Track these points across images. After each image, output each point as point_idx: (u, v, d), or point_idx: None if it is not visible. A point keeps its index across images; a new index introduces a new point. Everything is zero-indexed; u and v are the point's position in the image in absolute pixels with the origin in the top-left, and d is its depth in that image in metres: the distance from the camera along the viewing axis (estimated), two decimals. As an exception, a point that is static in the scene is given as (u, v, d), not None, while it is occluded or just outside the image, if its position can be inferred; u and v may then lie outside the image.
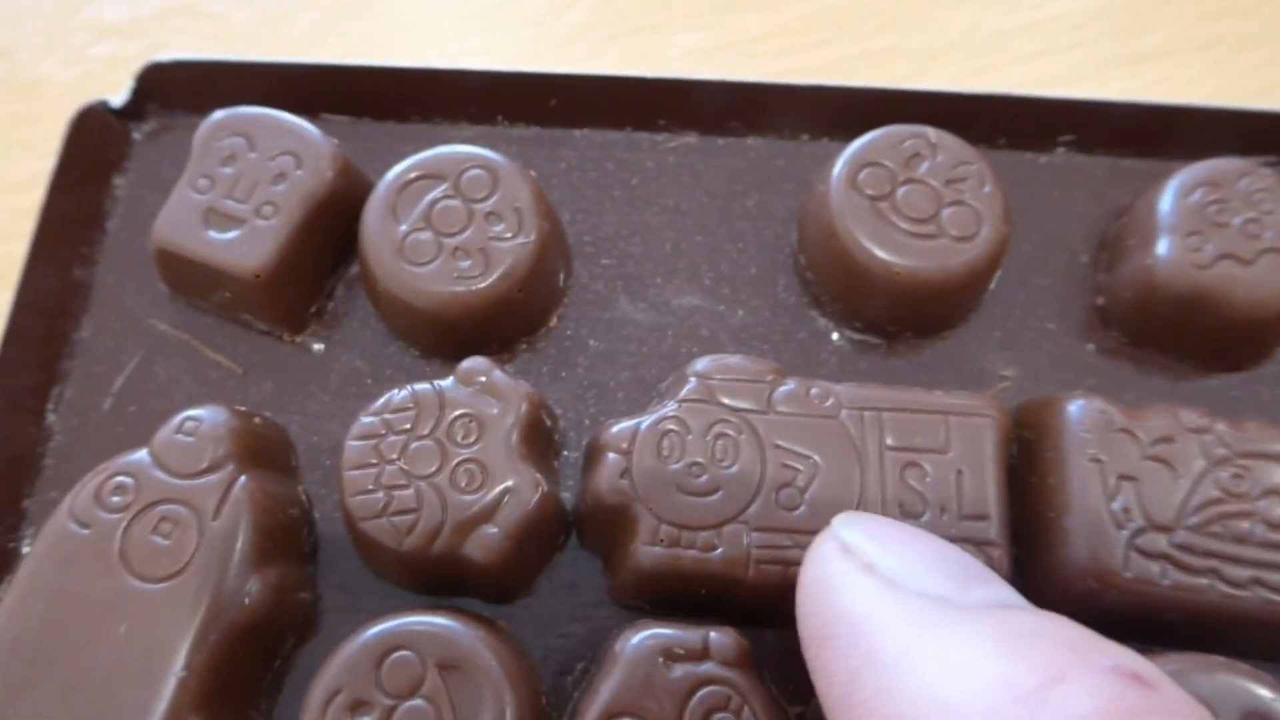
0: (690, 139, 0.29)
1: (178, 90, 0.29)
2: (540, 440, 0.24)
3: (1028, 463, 0.24)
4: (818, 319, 0.27)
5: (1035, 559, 0.23)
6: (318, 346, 0.27)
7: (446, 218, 0.25)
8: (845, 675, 0.15)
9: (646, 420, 0.23)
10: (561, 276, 0.27)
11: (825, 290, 0.27)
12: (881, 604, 0.15)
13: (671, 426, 0.23)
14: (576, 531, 0.24)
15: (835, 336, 0.27)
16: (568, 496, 0.24)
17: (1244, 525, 0.22)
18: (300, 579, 0.23)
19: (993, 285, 0.27)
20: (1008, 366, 0.26)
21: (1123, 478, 0.22)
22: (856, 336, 0.27)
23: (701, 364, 0.24)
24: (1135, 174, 0.28)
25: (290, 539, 0.23)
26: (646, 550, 0.22)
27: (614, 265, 0.28)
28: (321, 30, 0.36)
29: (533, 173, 0.27)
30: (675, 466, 0.22)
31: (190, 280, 0.26)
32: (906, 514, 0.22)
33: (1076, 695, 0.13)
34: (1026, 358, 0.26)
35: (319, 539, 0.25)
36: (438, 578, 0.23)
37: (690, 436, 0.23)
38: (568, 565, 0.25)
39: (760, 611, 0.23)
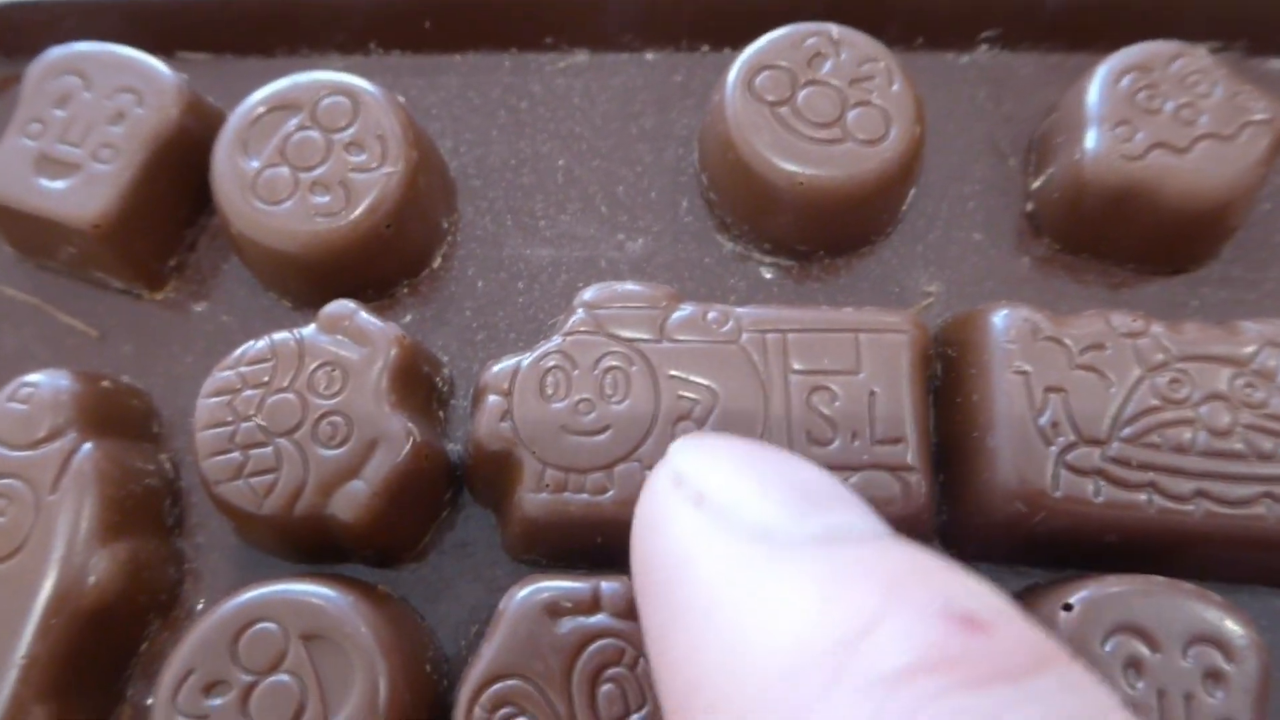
0: (581, 57, 0.27)
1: (18, 36, 0.27)
2: (417, 387, 0.22)
3: (952, 381, 0.22)
4: (724, 243, 0.25)
5: (962, 483, 0.21)
6: (181, 303, 0.25)
7: (303, 151, 0.23)
8: (659, 629, 0.14)
9: (528, 358, 0.21)
10: (442, 212, 0.25)
11: (730, 210, 0.25)
12: (701, 543, 0.14)
13: (556, 362, 0.21)
14: (466, 484, 0.23)
15: (744, 259, 0.25)
16: (457, 449, 0.23)
17: (1184, 434, 0.20)
18: (161, 554, 0.22)
19: (913, 196, 0.25)
20: (931, 282, 0.25)
21: (1050, 389, 0.21)
22: (767, 259, 0.25)
23: (589, 293, 0.22)
24: (1066, 69, 0.27)
25: (146, 511, 0.22)
26: (532, 498, 0.20)
27: (502, 198, 0.26)
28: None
29: (402, 99, 0.25)
30: (560, 405, 0.21)
31: (30, 237, 0.24)
32: (814, 441, 0.20)
33: (889, 646, 0.11)
34: (952, 272, 0.25)
35: (189, 510, 0.23)
36: (310, 543, 0.21)
37: (576, 372, 0.21)
38: (461, 522, 0.23)
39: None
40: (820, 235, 0.24)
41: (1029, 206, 0.25)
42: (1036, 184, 0.25)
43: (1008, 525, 0.20)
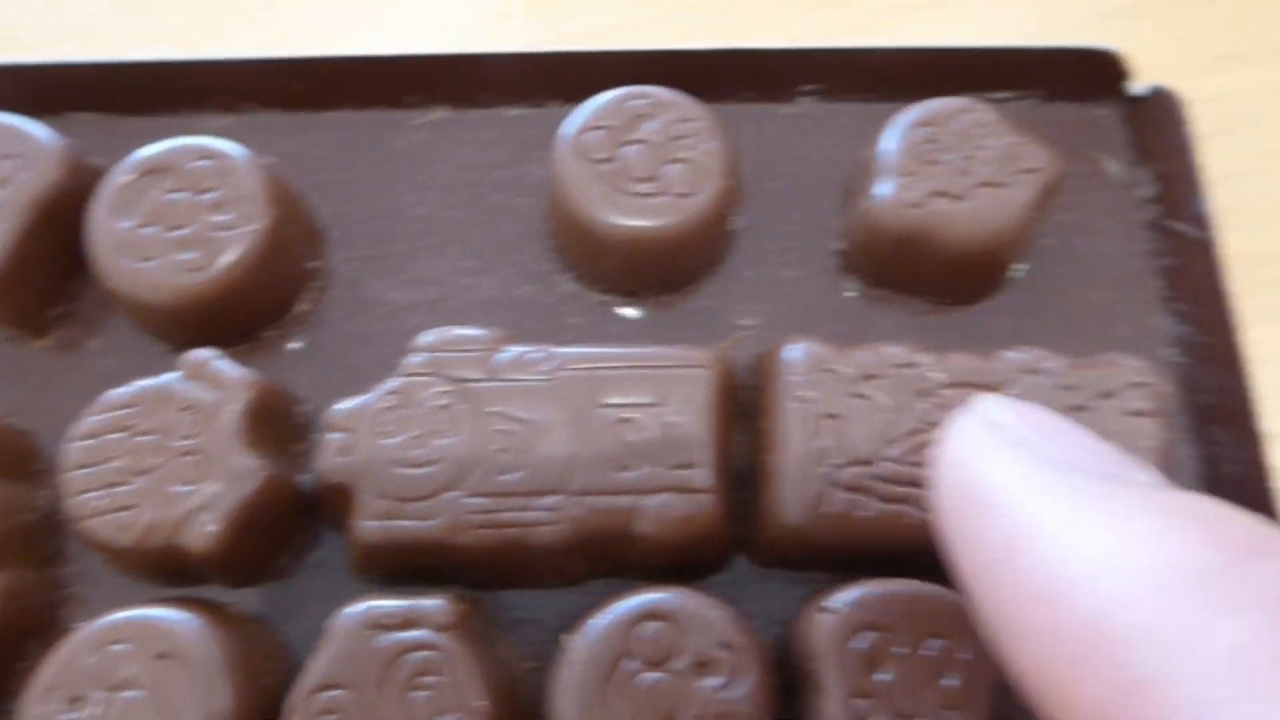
0: (441, 114, 0.30)
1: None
2: (272, 425, 0.25)
3: (756, 409, 0.25)
4: (564, 284, 0.28)
5: (756, 501, 0.24)
6: (65, 348, 0.27)
7: (172, 211, 0.26)
8: (999, 544, 0.15)
9: (368, 398, 0.24)
10: (306, 260, 0.28)
11: (568, 255, 0.28)
12: (1043, 475, 0.15)
13: (392, 402, 0.24)
14: (320, 511, 0.25)
15: (581, 299, 0.28)
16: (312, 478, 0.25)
17: (943, 454, 0.23)
18: (37, 583, 0.24)
19: (740, 239, 0.28)
20: (749, 317, 0.27)
21: (826, 416, 0.23)
22: (604, 298, 0.28)
23: (427, 337, 0.25)
24: (881, 117, 0.29)
25: (23, 545, 0.24)
26: (364, 526, 0.23)
27: (366, 247, 0.29)
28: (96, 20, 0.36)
29: (270, 159, 0.27)
30: (394, 441, 0.23)
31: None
32: (617, 467, 0.23)
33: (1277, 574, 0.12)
34: (769, 307, 0.27)
35: (68, 540, 0.25)
36: (170, 570, 0.24)
37: (409, 410, 0.24)
38: (319, 544, 0.25)
39: (490, 574, 0.24)
40: (646, 277, 0.27)
41: (839, 246, 0.28)
42: (845, 224, 0.28)
43: (788, 539, 0.23)
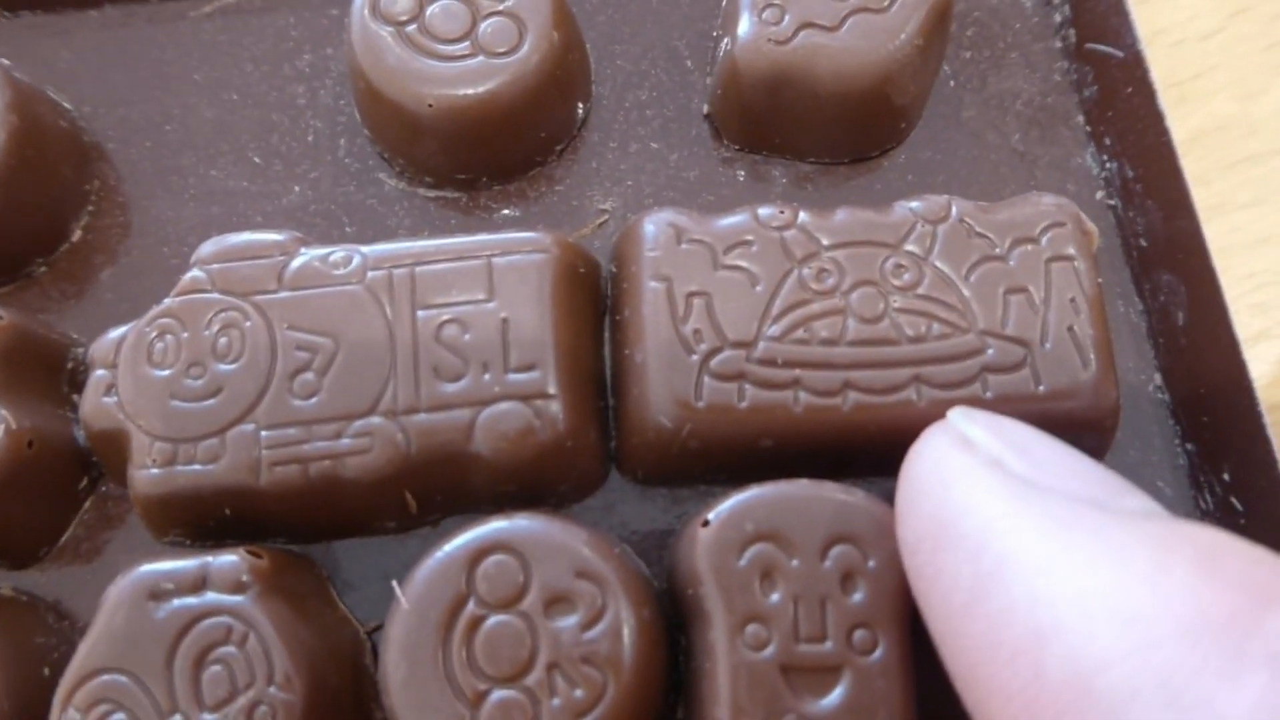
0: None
1: None
2: (32, 373, 0.21)
3: (615, 300, 0.22)
4: (386, 181, 0.25)
5: (621, 405, 0.21)
6: None
7: (-115, 127, 0.22)
8: (971, 580, 0.14)
9: (136, 323, 0.21)
10: (70, 182, 0.24)
11: (386, 146, 0.24)
12: (1019, 502, 0.14)
13: (163, 327, 0.21)
14: (106, 470, 0.22)
15: (409, 196, 0.25)
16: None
17: (834, 325, 0.20)
18: None
19: (591, 112, 0.25)
20: (609, 199, 0.24)
21: (693, 295, 0.21)
22: (431, 193, 0.25)
23: (205, 248, 0.22)
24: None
25: None
26: (142, 475, 0.20)
27: (148, 158, 0.25)
28: None
29: (4, 61, 0.24)
30: (168, 372, 0.20)
31: None
32: (442, 378, 0.20)
33: None
34: (630, 185, 0.25)
35: None
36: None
37: (186, 334, 0.21)
38: (112, 509, 0.22)
39: (310, 523, 0.21)
40: (476, 161, 0.24)
41: (705, 108, 0.25)
42: (709, 82, 0.25)
43: (660, 442, 0.20)
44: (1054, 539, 0.13)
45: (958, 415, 0.16)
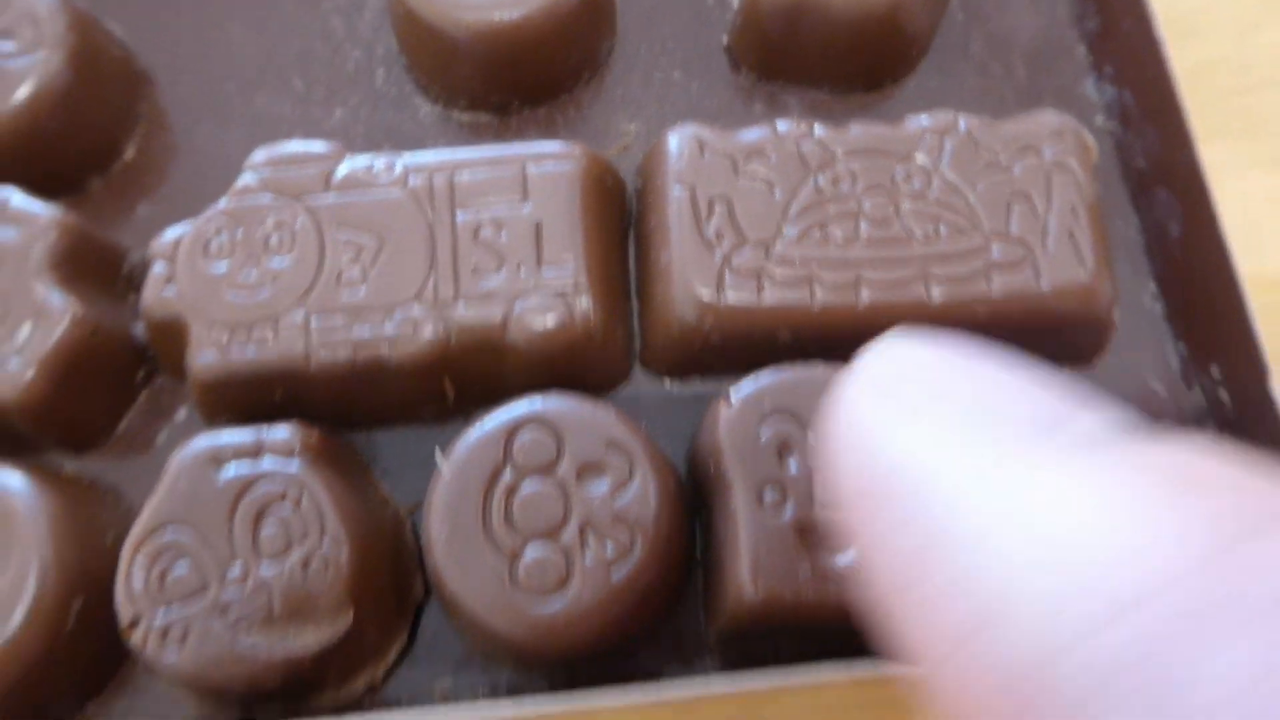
0: (270, -63, 0.29)
1: None
2: (91, 270, 0.23)
3: (641, 213, 0.24)
4: (422, 106, 0.27)
5: (647, 304, 0.23)
6: None
7: (-44, 43, 0.24)
8: (911, 550, 0.12)
9: (195, 222, 0.23)
10: (124, 103, 0.26)
11: (420, 70, 0.26)
12: (957, 445, 0.12)
13: (219, 225, 0.23)
14: (161, 363, 0.24)
15: (444, 120, 0.26)
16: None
17: (847, 227, 0.22)
18: None
19: (618, 43, 0.27)
20: (633, 122, 0.26)
21: (715, 200, 0.22)
22: (465, 116, 0.26)
23: (257, 155, 0.24)
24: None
25: None
26: (198, 359, 0.22)
27: (196, 85, 0.27)
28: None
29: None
30: (225, 265, 0.22)
31: None
32: (479, 273, 0.22)
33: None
34: (653, 112, 0.26)
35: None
36: (-7, 435, 0.22)
37: (241, 232, 0.23)
38: (176, 413, 0.24)
39: (353, 407, 0.23)
40: (510, 84, 0.26)
41: (725, 40, 0.27)
42: (729, 16, 0.27)
43: (684, 336, 0.22)
44: (1003, 483, 0.11)
45: (876, 351, 0.14)
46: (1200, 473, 0.11)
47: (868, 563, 0.13)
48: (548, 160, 0.23)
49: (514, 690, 0.22)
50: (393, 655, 0.22)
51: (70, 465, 0.23)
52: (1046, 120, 0.23)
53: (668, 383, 0.24)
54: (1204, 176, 0.23)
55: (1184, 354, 0.24)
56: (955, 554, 0.11)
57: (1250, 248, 0.23)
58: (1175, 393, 0.23)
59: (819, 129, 0.23)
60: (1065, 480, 0.11)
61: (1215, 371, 0.23)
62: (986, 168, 0.23)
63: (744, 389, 0.21)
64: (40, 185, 0.25)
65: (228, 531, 0.20)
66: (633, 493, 0.20)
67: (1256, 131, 0.26)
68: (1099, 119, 0.26)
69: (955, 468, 0.12)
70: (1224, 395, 0.23)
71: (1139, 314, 0.24)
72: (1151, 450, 0.11)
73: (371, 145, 0.26)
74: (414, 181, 0.23)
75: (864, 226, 0.22)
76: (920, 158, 0.23)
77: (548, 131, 0.26)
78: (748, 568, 0.19)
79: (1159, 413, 0.23)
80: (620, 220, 0.24)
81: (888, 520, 0.12)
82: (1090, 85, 0.26)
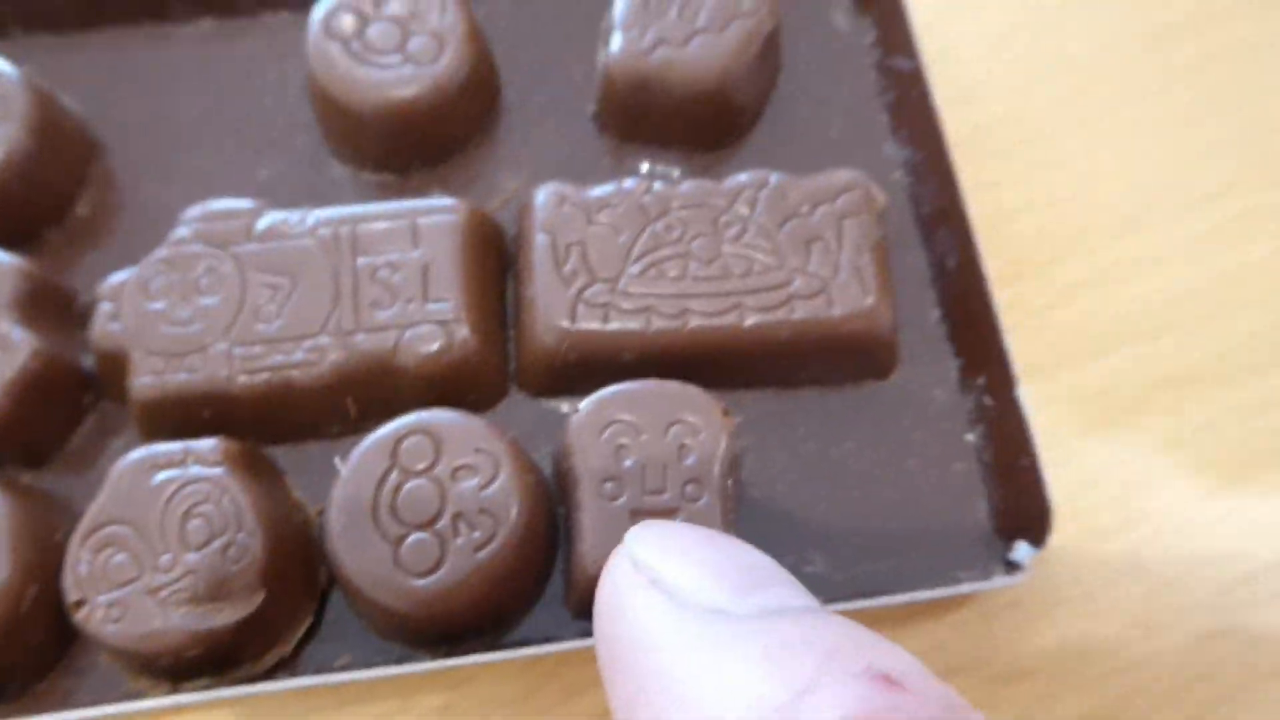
0: (207, 24, 0.32)
1: None
2: (48, 312, 0.26)
3: (516, 255, 0.27)
4: (335, 167, 0.30)
5: (518, 333, 0.26)
6: None
7: (-69, 120, 0.27)
8: (626, 700, 0.15)
9: (136, 268, 0.26)
10: (78, 167, 0.29)
11: (333, 139, 0.29)
12: (660, 621, 0.15)
13: (159, 269, 0.25)
14: (106, 389, 0.27)
15: (354, 179, 0.29)
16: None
17: (679, 265, 0.25)
18: None
19: (505, 111, 0.30)
20: (515, 180, 0.30)
21: (572, 245, 0.26)
22: (373, 177, 0.29)
23: (191, 211, 0.26)
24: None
25: None
26: (139, 383, 0.25)
27: (143, 149, 0.30)
28: None
29: (26, 69, 0.29)
30: (162, 304, 0.25)
31: None
32: (376, 307, 0.25)
33: (826, 705, 0.13)
34: (531, 169, 0.30)
35: None
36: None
37: (176, 276, 0.25)
38: (117, 436, 0.27)
39: (271, 423, 0.26)
40: (408, 150, 0.29)
41: (592, 109, 0.30)
42: (595, 85, 0.30)
43: (547, 358, 0.25)
44: (678, 656, 0.15)
45: (632, 535, 0.17)
46: (804, 641, 0.14)
47: (613, 705, 0.16)
48: (435, 213, 0.26)
49: (402, 660, 0.24)
50: (300, 633, 0.24)
51: (26, 477, 0.26)
52: (840, 176, 0.26)
53: (540, 401, 0.27)
54: (968, 219, 0.27)
55: (961, 366, 0.27)
56: (657, 693, 0.15)
57: (1008, 277, 0.27)
58: (953, 399, 0.27)
59: (658, 184, 0.26)
60: (721, 654, 0.15)
61: (981, 379, 0.26)
62: (792, 215, 0.26)
63: (590, 400, 0.24)
64: (3, 238, 0.27)
65: (159, 527, 0.23)
66: (496, 488, 0.23)
67: (1016, 182, 0.30)
68: (897, 174, 0.29)
69: (663, 635, 0.15)
70: (988, 400, 0.26)
71: (926, 333, 0.27)
72: (783, 627, 0.15)
73: (292, 201, 0.29)
74: (323, 233, 0.26)
75: (692, 265, 0.25)
76: (740, 208, 0.26)
77: (444, 188, 0.29)
78: (589, 546, 0.23)
79: (941, 416, 0.27)
80: (499, 262, 0.27)
81: (618, 672, 0.16)
82: (890, 145, 0.30)
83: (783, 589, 0.16)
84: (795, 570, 0.25)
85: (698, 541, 0.17)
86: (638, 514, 0.23)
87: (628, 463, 0.23)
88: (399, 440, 0.23)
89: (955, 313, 0.27)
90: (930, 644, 0.25)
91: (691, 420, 0.23)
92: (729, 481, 0.23)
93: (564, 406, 0.27)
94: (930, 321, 0.28)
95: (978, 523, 0.26)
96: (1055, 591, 0.25)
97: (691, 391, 0.24)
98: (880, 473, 0.26)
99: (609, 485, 0.23)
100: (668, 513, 0.23)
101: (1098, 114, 0.31)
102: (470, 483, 0.23)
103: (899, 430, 0.26)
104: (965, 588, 0.24)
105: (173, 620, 0.22)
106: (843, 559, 0.25)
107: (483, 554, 0.22)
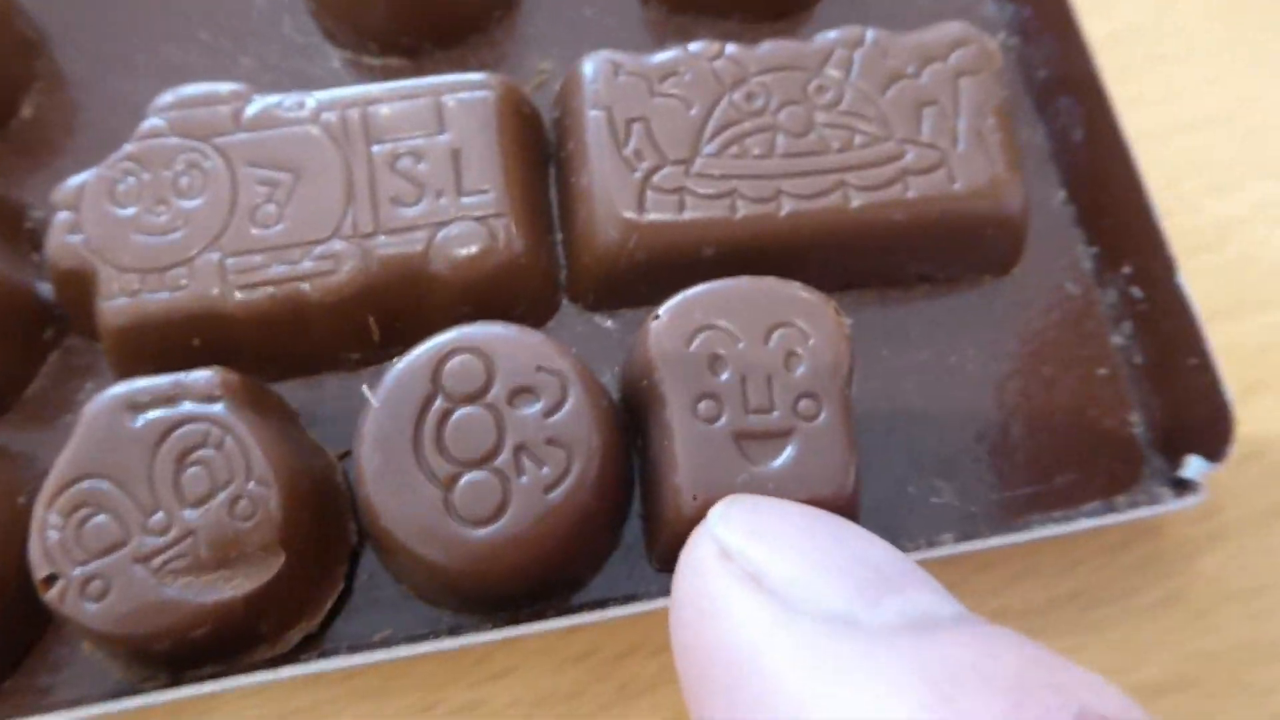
0: (166, -113, 0.26)
1: None
2: (-8, 227, 0.21)
3: (559, 142, 0.23)
4: (331, 52, 0.25)
5: (569, 231, 0.22)
6: None
7: None
8: (727, 699, 0.13)
9: (98, 168, 0.21)
10: (18, 60, 0.24)
11: (328, 16, 0.25)
12: (772, 633, 0.13)
13: (126, 168, 0.21)
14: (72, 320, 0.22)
15: (354, 65, 0.25)
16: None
17: (765, 141, 0.21)
18: None
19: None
20: (546, 60, 0.25)
21: (632, 120, 0.21)
22: (377, 61, 0.25)
23: (162, 98, 0.22)
24: None
25: None
26: (108, 305, 0.20)
27: (96, 39, 0.25)
28: None
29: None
30: (132, 209, 0.20)
31: None
32: (399, 203, 0.21)
33: None
34: (565, 48, 0.25)
35: None
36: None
37: (148, 175, 0.21)
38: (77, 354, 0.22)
39: (275, 352, 0.21)
40: (420, 25, 0.24)
41: (635, -27, 0.26)
42: (637, -51, 0.25)
43: (609, 257, 0.21)
44: (804, 680, 0.12)
45: (716, 514, 0.15)
46: (977, 669, 0.11)
47: (687, 695, 0.14)
48: (463, 90, 0.21)
49: (455, 631, 0.20)
50: (328, 605, 0.20)
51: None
52: (950, 30, 0.22)
53: (596, 317, 0.23)
54: (1100, 80, 0.23)
55: (1096, 255, 0.23)
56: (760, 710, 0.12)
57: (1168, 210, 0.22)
58: (1089, 293, 0.23)
59: (730, 47, 0.22)
60: (860, 669, 0.12)
61: (1127, 268, 0.22)
62: (895, 77, 0.22)
63: (671, 303, 0.20)
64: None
65: (147, 479, 0.18)
66: (566, 414, 0.19)
67: (1176, 98, 0.26)
68: (1001, 35, 0.25)
69: (774, 652, 0.12)
70: (1136, 292, 0.22)
71: (1051, 219, 0.23)
72: (942, 646, 0.12)
73: (280, 92, 0.24)
74: (327, 117, 0.21)
75: (780, 139, 0.21)
76: (831, 70, 0.22)
77: (462, 72, 0.25)
78: (686, 477, 0.18)
79: (1077, 313, 0.23)
80: (539, 151, 0.23)
81: (715, 690, 0.13)
82: (990, 4, 0.25)
83: (924, 591, 0.13)
84: (920, 502, 0.21)
85: (804, 525, 0.14)
86: (743, 437, 0.19)
87: (724, 376, 0.19)
88: (442, 360, 0.19)
89: (1085, 194, 0.23)
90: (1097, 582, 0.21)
91: (799, 323, 0.19)
92: (849, 396, 0.19)
93: (630, 320, 0.22)
94: (1053, 204, 0.24)
95: (1132, 436, 0.22)
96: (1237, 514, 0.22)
97: (795, 288, 0.20)
98: (1009, 383, 0.22)
99: (704, 404, 0.19)
100: (781, 434, 0.19)
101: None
102: (533, 408, 0.19)
103: (1028, 332, 0.22)
104: (1140, 513, 0.20)
105: (170, 594, 0.18)
106: (974, 487, 0.21)
107: (555, 494, 0.18)
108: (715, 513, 0.14)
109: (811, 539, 0.14)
